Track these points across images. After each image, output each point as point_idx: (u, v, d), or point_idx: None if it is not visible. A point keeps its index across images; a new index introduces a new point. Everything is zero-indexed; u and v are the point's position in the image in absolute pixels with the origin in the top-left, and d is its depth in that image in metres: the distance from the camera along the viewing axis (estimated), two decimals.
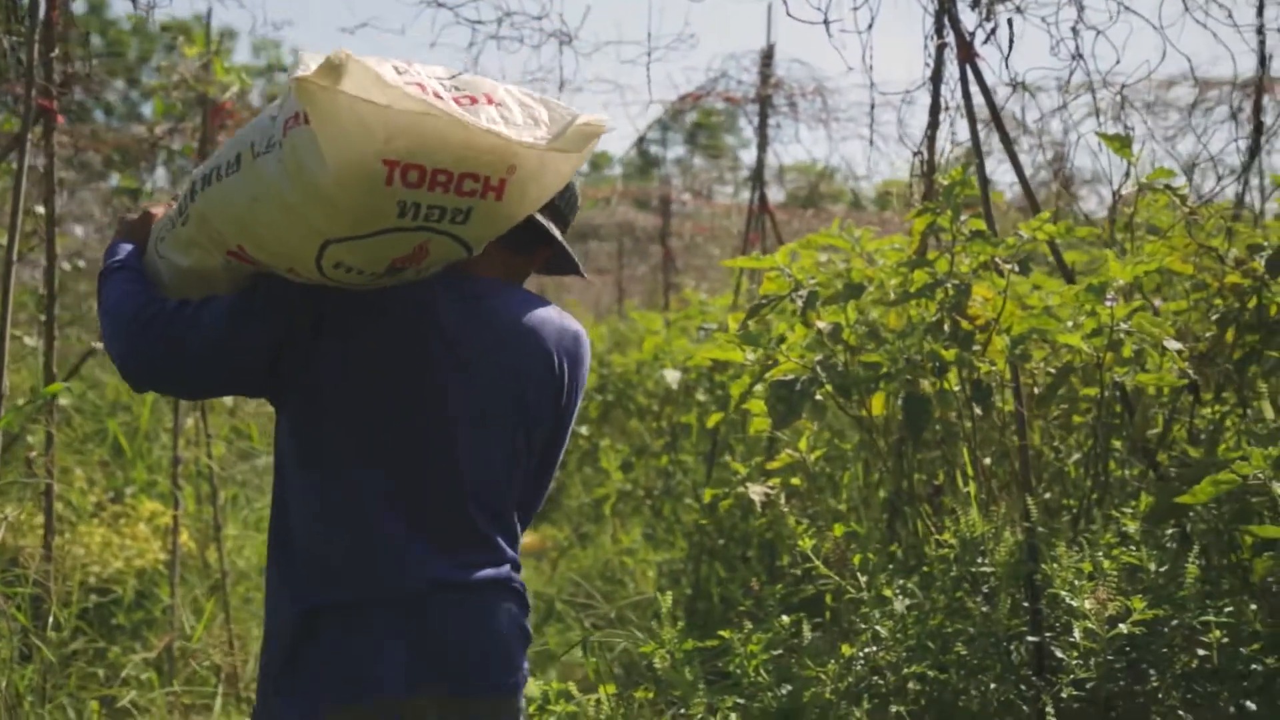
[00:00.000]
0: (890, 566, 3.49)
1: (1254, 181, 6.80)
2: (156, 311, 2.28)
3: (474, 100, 2.07)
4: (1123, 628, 2.86)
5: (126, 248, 2.47)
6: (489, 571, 2.33)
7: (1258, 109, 3.41)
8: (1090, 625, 2.88)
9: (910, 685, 3.18)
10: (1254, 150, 3.39)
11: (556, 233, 2.40)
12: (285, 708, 2.27)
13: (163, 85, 5.84)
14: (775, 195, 13.19)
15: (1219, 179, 3.63)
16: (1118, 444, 3.77)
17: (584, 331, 2.51)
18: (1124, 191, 3.64)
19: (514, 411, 2.36)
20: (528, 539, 6.50)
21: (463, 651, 2.29)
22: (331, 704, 2.24)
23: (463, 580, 2.30)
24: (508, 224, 2.20)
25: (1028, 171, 3.80)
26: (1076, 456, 3.92)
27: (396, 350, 2.29)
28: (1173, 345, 3.20)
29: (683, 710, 3.23)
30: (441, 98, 2.02)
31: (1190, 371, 3.29)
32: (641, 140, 6.57)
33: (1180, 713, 3.00)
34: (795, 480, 4.15)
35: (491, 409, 2.33)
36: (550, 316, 2.44)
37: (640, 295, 15.27)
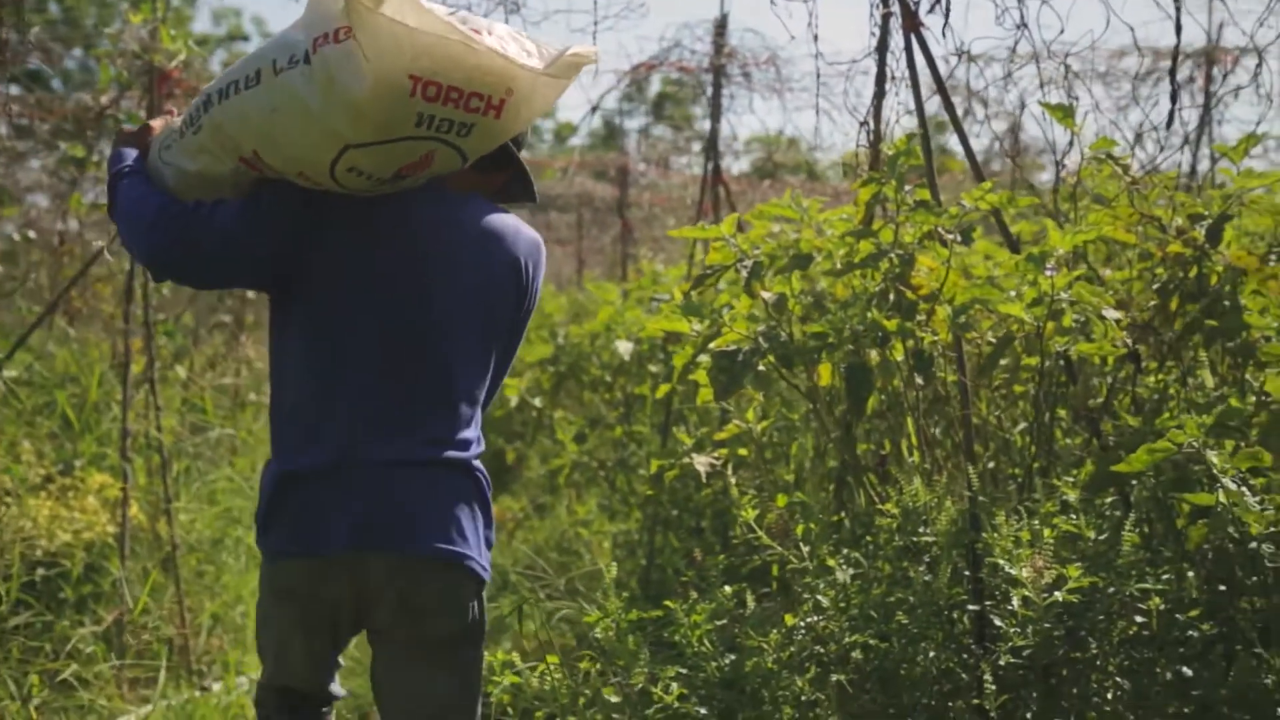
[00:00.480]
0: (835, 536, 3.49)
1: (1204, 151, 6.86)
2: (175, 213, 2.52)
3: (477, 32, 2.33)
4: (1059, 595, 2.87)
5: (132, 153, 2.69)
6: (450, 453, 2.60)
7: (1173, 76, 3.41)
8: (1027, 593, 2.90)
9: (853, 654, 3.19)
10: (1171, 119, 3.41)
11: (519, 156, 2.67)
12: (263, 556, 2.66)
13: (109, 53, 5.73)
14: (741, 166, 13.11)
15: (1161, 149, 3.63)
16: (1063, 413, 3.78)
17: (541, 240, 2.79)
18: (1068, 161, 3.64)
19: (485, 310, 2.63)
20: None
21: (410, 517, 2.56)
22: (287, 556, 2.59)
23: (426, 457, 2.58)
24: (499, 140, 2.49)
25: (985, 142, 3.81)
26: (1022, 426, 3.93)
27: (390, 252, 2.55)
28: (1111, 314, 3.21)
29: (626, 680, 3.23)
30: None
31: (1129, 340, 3.29)
32: (595, 109, 6.51)
33: (1119, 679, 3.03)
34: (743, 451, 4.13)
35: (469, 307, 2.60)
36: (516, 224, 2.71)
37: (601, 267, 15.20)
